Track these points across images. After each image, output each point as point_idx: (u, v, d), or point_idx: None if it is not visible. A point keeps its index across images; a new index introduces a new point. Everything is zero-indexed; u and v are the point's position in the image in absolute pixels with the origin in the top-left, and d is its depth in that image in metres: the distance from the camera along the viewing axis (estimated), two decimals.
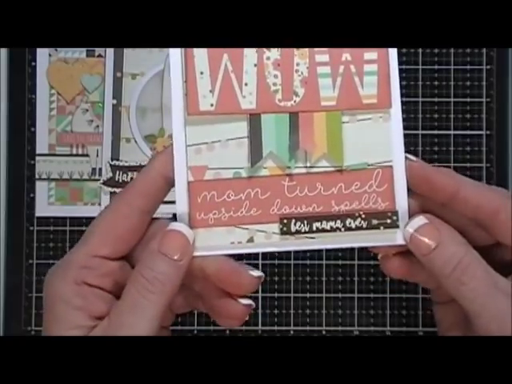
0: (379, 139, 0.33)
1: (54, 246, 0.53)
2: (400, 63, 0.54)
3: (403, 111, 0.53)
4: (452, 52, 0.54)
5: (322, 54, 0.34)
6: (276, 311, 0.53)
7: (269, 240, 0.32)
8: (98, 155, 0.54)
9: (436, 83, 0.54)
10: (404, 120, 0.53)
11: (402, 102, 0.53)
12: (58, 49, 0.53)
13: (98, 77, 0.54)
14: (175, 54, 0.34)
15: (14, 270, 0.53)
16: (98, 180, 0.53)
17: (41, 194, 0.53)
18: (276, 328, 0.53)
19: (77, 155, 0.54)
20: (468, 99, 0.54)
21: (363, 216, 0.32)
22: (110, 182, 0.53)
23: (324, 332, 0.53)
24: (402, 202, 0.33)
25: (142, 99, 0.53)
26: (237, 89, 0.33)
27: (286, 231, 0.32)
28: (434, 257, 0.31)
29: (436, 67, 0.54)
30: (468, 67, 0.54)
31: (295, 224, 0.32)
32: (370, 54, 0.35)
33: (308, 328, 0.53)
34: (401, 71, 0.54)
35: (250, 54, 0.33)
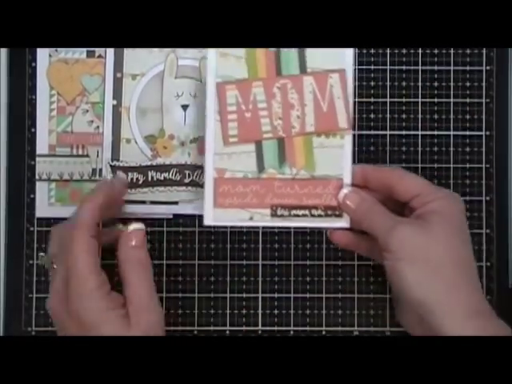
0: (336, 161, 0.49)
1: None
2: (400, 63, 0.54)
3: (403, 111, 0.54)
4: (452, 52, 0.54)
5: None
6: (276, 311, 0.53)
7: (262, 219, 0.49)
8: (98, 156, 0.54)
9: (436, 84, 0.54)
10: (404, 121, 0.54)
11: (402, 102, 0.54)
12: (58, 49, 0.53)
13: (98, 77, 0.54)
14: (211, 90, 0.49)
15: (14, 271, 0.53)
16: (99, 181, 0.53)
17: (41, 194, 0.53)
18: (276, 328, 0.53)
19: (77, 156, 0.54)
20: (468, 100, 0.54)
21: (322, 208, 0.49)
22: None
23: (324, 332, 0.53)
24: None
25: (142, 100, 0.53)
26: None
27: (274, 214, 0.49)
28: (356, 210, 0.47)
29: (436, 68, 0.54)
30: (468, 68, 0.54)
31: (280, 210, 0.49)
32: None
33: (308, 328, 0.53)
34: (401, 71, 0.54)
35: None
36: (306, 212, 0.49)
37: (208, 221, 0.49)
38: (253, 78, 0.49)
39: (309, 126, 0.49)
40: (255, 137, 0.49)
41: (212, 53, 0.49)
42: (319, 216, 0.49)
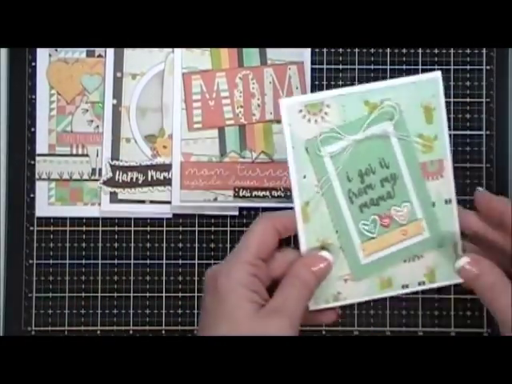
0: None
1: (54, 246, 0.53)
2: (400, 63, 0.54)
3: None
4: (452, 52, 0.54)
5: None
6: None
7: (226, 200, 0.53)
8: (98, 155, 0.54)
9: None
10: None
11: None
12: (58, 49, 0.53)
13: (98, 77, 0.54)
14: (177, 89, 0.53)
15: (14, 270, 0.53)
16: (98, 180, 0.53)
17: (41, 194, 0.53)
18: None
19: (77, 155, 0.53)
20: (468, 99, 0.54)
21: (282, 189, 0.53)
22: (109, 182, 0.53)
23: (324, 332, 0.53)
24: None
25: (142, 99, 0.53)
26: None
27: (236, 196, 0.53)
28: (477, 283, 0.40)
29: (436, 67, 0.54)
30: (468, 67, 0.54)
31: (242, 191, 0.53)
32: None
33: (308, 328, 0.53)
34: (401, 71, 0.54)
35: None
36: (267, 193, 0.53)
37: (175, 202, 0.52)
38: (216, 69, 0.53)
39: (268, 114, 0.53)
40: (218, 123, 0.53)
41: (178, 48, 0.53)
42: (279, 197, 0.53)
